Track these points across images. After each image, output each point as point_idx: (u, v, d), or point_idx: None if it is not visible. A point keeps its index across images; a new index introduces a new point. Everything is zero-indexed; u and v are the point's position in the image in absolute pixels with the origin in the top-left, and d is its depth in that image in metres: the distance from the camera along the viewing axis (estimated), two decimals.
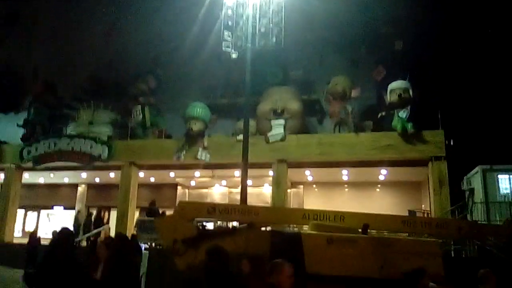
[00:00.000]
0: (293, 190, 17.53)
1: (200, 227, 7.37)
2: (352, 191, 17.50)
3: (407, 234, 7.55)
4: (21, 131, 18.50)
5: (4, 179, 17.89)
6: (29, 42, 22.55)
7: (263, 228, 7.60)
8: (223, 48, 11.55)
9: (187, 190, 19.50)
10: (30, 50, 22.34)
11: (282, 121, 15.00)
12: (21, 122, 18.49)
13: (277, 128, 14.93)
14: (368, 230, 6.66)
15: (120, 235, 4.46)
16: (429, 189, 13.77)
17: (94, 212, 17.65)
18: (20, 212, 20.28)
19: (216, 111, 16.06)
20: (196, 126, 15.10)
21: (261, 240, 7.16)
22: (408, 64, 15.00)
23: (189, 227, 7.31)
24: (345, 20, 16.32)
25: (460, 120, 14.88)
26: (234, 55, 11.60)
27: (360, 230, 6.75)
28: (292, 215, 7.59)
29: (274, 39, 11.35)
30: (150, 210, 13.21)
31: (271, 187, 15.94)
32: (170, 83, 18.01)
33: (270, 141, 14.69)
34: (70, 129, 17.79)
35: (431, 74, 14.80)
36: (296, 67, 17.24)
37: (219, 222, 9.19)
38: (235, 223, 8.57)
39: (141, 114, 16.87)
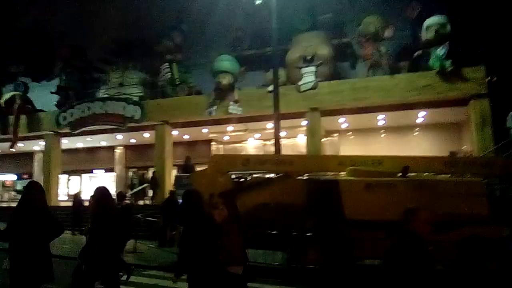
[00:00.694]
0: (328, 139, 17.19)
1: (236, 180, 7.32)
2: (389, 136, 16.98)
3: (450, 175, 7.24)
4: (55, 98, 18.87)
5: (45, 146, 18.46)
6: (54, 6, 22.49)
7: (299, 177, 7.48)
8: None
9: (221, 146, 19.50)
10: (56, 15, 22.33)
11: (313, 68, 14.52)
12: (54, 89, 18.79)
13: (308, 75, 14.50)
14: (408, 173, 6.40)
15: (101, 188, 4.49)
16: (471, 129, 13.20)
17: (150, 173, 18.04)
18: (64, 177, 21.12)
19: (245, 63, 15.67)
20: (225, 80, 14.84)
21: (297, 189, 7.05)
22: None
23: (224, 180, 7.29)
24: None
25: (503, 55, 13.95)
26: (258, 1, 11.10)
27: (399, 174, 6.50)
28: (328, 162, 7.38)
29: None
30: (185, 166, 13.30)
31: (305, 137, 15.74)
32: (196, 38, 17.62)
33: (302, 89, 14.32)
34: (102, 92, 17.98)
35: (469, 6, 13.79)
36: (324, 10, 16.43)
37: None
38: (271, 174, 8.48)
39: (170, 72, 16.72)
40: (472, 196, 5.78)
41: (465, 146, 15.13)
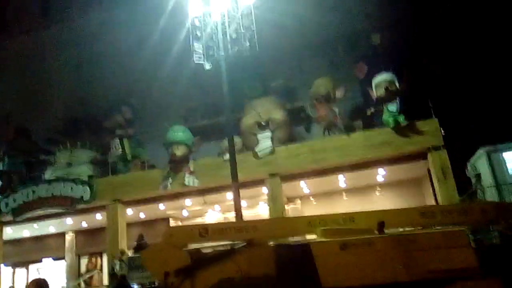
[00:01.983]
0: (291, 206, 16.65)
1: (193, 254, 6.48)
2: (351, 198, 16.64)
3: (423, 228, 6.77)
4: None
5: None
6: None
7: (265, 244, 6.77)
8: (195, 60, 10.87)
9: (179, 222, 18.46)
10: (0, 99, 21.50)
11: (268, 133, 14.27)
12: None
13: (264, 141, 14.19)
14: (384, 229, 5.88)
15: (36, 280, 3.96)
16: (432, 183, 13.06)
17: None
18: (8, 270, 19.18)
19: (199, 134, 15.27)
20: (180, 151, 14.29)
21: (264, 258, 6.31)
22: (389, 57, 14.49)
23: (181, 256, 6.42)
24: (318, 22, 15.86)
25: (451, 106, 14.33)
26: (207, 66, 10.91)
27: (375, 230, 5.96)
28: (295, 224, 6.71)
29: (247, 43, 10.69)
30: (138, 246, 12.23)
31: (267, 206, 15.14)
32: (147, 112, 17.24)
33: (259, 156, 13.92)
34: (49, 174, 16.85)
35: (414, 63, 14.28)
36: (275, 77, 16.59)
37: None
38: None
39: (120, 148, 16.01)
40: (456, 247, 5.28)
41: (427, 202, 14.95)
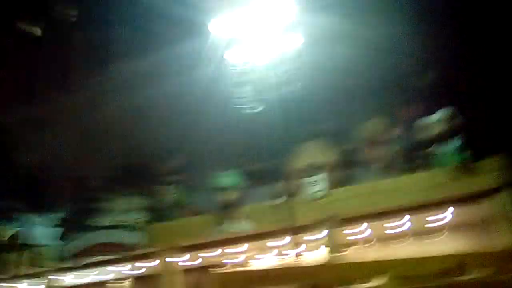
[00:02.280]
0: (350, 250, 15.92)
1: None
2: (415, 243, 15.71)
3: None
4: (58, 231, 18.02)
5: (46, 284, 17.19)
6: (56, 142, 22.80)
7: None
8: (239, 106, 10.92)
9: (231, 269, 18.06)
10: (58, 151, 22.53)
11: (321, 176, 13.94)
12: (57, 222, 18.07)
13: (317, 184, 13.85)
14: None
15: None
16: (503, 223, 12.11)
17: None
18: None
19: (249, 178, 15.18)
20: (230, 196, 14.22)
21: None
22: (444, 94, 14.02)
23: None
24: (367, 63, 15.71)
25: None
26: (256, 110, 10.89)
27: (453, 274, 5.41)
28: (361, 270, 6.23)
29: (295, 85, 10.67)
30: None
31: (324, 251, 14.61)
32: (198, 158, 17.40)
33: (313, 199, 13.55)
34: (104, 221, 17.17)
35: (473, 99, 13.68)
36: (324, 120, 16.39)
37: None
38: None
39: (174, 194, 16.15)
40: None
41: None
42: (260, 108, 10.80)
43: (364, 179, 14.52)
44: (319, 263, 11.21)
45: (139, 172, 18.27)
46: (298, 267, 7.79)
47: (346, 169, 14.60)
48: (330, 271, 6.31)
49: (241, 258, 17.26)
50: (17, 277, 17.41)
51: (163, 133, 18.34)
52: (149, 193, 17.32)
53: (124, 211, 17.06)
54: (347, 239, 14.89)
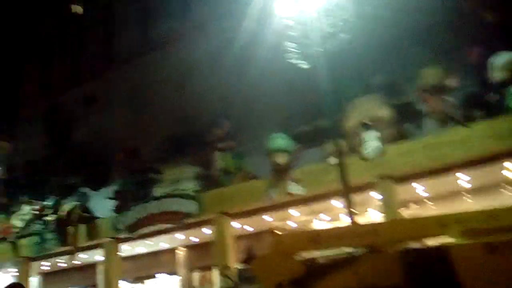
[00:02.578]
0: (405, 211, 15.21)
1: (307, 263, 5.81)
2: (476, 200, 14.73)
3: None
4: (113, 203, 18.50)
5: (104, 254, 17.76)
6: (109, 118, 23.32)
7: (389, 250, 5.85)
8: (290, 61, 10.33)
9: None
10: (111, 125, 23.04)
11: (375, 133, 13.20)
12: (110, 195, 18.51)
13: (371, 141, 13.13)
14: None
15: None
16: None
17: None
18: (127, 286, 20.13)
19: (299, 140, 14.67)
20: (281, 159, 13.78)
21: (391, 266, 5.44)
22: (508, 35, 12.72)
23: (293, 265, 5.81)
24: (418, 8, 14.52)
25: None
26: (304, 65, 10.29)
27: None
28: (424, 225, 5.68)
29: (345, 36, 9.93)
30: (247, 258, 11.82)
31: (378, 213, 14.02)
32: (246, 123, 17.09)
33: (367, 157, 12.88)
34: (158, 192, 17.38)
35: None
36: (375, 73, 15.45)
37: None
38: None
39: (222, 160, 15.99)
40: None
41: None
42: (309, 63, 10.15)
43: (421, 134, 13.67)
44: (376, 222, 10.67)
45: (190, 141, 18.27)
46: (357, 226, 7.34)
47: (401, 124, 13.76)
48: (393, 229, 5.76)
49: (295, 222, 17.05)
50: (77, 249, 18.03)
51: (211, 100, 18.13)
52: (200, 161, 17.30)
53: (176, 181, 17.15)
54: (404, 199, 14.21)
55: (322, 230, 6.49)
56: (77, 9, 26.41)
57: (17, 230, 19.86)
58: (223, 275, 13.24)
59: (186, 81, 20.45)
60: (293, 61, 10.30)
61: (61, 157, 23.21)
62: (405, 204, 15.10)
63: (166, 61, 21.91)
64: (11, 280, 21.10)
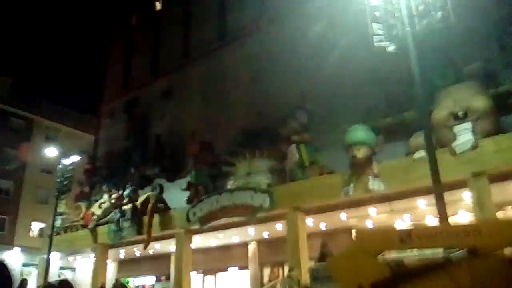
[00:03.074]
0: (502, 214, 13.54)
1: (393, 264, 4.98)
2: None
3: None
4: (186, 195, 18.53)
5: (176, 245, 17.84)
6: (184, 111, 23.54)
7: (495, 254, 4.84)
8: (375, 44, 9.37)
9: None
10: (186, 119, 23.24)
11: (468, 125, 11.81)
12: (184, 186, 18.53)
13: (464, 134, 11.78)
14: None
15: None
16: None
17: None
18: (198, 277, 20.18)
19: (381, 133, 13.54)
20: (361, 153, 12.78)
21: (497, 272, 4.49)
22: None
23: (377, 266, 5.01)
24: None
25: None
26: (390, 48, 9.29)
27: None
28: None
29: (438, 14, 8.79)
30: (322, 254, 11.02)
31: (469, 214, 12.59)
32: (323, 115, 16.21)
33: (458, 151, 11.55)
34: (230, 184, 17.12)
35: None
36: (470, 61, 13.85)
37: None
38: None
39: (297, 154, 15.27)
40: None
41: None
42: (396, 46, 9.11)
43: None
44: (481, 221, 9.22)
45: (264, 134, 17.80)
46: (456, 225, 6.36)
47: (499, 116, 12.17)
48: (499, 229, 4.74)
49: (374, 221, 15.91)
50: (151, 238, 18.24)
51: (288, 92, 17.52)
52: (274, 154, 16.73)
53: (249, 174, 16.77)
54: (500, 200, 12.59)
55: (414, 229, 5.61)
56: (157, 4, 27.07)
57: (96, 217, 20.61)
58: (287, 276, 12.51)
59: (262, 73, 20.00)
60: (378, 44, 9.32)
61: (139, 149, 23.84)
62: (501, 206, 13.47)
63: (242, 54, 21.69)
64: (90, 265, 22.00)
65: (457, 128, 11.96)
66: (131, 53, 29.14)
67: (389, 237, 4.98)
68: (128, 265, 23.48)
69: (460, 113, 12.07)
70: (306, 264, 13.80)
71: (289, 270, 12.80)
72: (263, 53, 20.13)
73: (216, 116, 21.59)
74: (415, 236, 4.86)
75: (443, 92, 12.84)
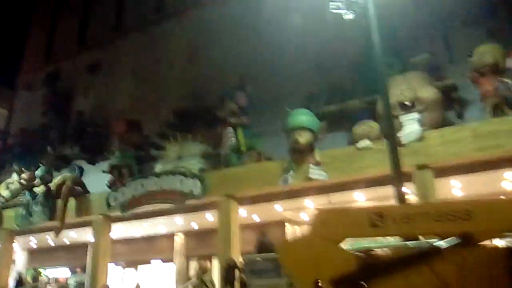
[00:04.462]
0: None
1: (363, 254, 3.97)
2: None
3: None
4: (108, 178, 16.72)
5: (93, 232, 16.01)
6: (112, 88, 21.59)
7: (489, 243, 3.99)
8: (332, 11, 8.45)
9: (297, 227, 16.01)
10: (114, 96, 21.32)
11: (415, 115, 11.33)
12: (106, 168, 16.70)
13: (410, 124, 11.27)
14: None
15: None
16: None
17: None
18: (117, 270, 18.49)
19: (325, 119, 12.74)
20: (303, 138, 11.85)
21: (492, 266, 3.63)
22: None
23: (339, 256, 4.01)
24: None
25: None
26: (349, 16, 8.40)
27: None
28: None
29: None
30: (261, 244, 9.94)
31: None
32: (263, 98, 15.19)
33: (404, 142, 10.98)
34: (158, 168, 15.58)
35: None
36: (416, 53, 13.49)
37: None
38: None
39: (234, 136, 14.12)
40: None
41: None
42: (354, 13, 8.20)
43: (469, 120, 11.73)
44: (471, 200, 8.12)
45: (198, 116, 16.46)
46: (442, 203, 5.54)
47: (447, 107, 11.82)
48: (491, 212, 3.85)
49: (306, 216, 15.16)
50: (63, 225, 16.29)
51: (226, 71, 16.30)
52: (209, 138, 15.42)
53: (181, 158, 15.33)
54: (442, 195, 12.24)
55: (388, 207, 4.69)
56: None
57: (2, 199, 18.15)
58: (198, 278, 11.15)
59: (200, 51, 18.63)
60: (336, 10, 8.38)
61: (58, 126, 21.50)
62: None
63: (180, 30, 20.16)
64: None
65: (403, 118, 11.44)
66: (56, 21, 26.37)
67: (356, 220, 3.98)
68: (41, 255, 21.14)
69: (407, 103, 11.58)
70: (238, 256, 12.69)
71: (201, 271, 11.45)
72: (202, 29, 18.74)
73: (147, 95, 19.88)
74: (390, 218, 3.91)
75: (390, 82, 12.28)
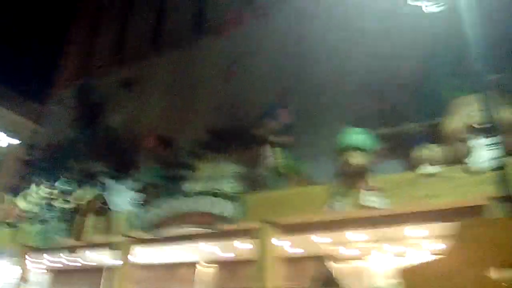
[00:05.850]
0: None
1: None
2: None
3: None
4: (140, 197, 15.46)
5: (113, 255, 14.71)
6: (145, 104, 20.80)
7: None
8: (411, 3, 7.20)
9: (332, 263, 14.24)
10: (146, 113, 20.51)
11: (487, 140, 9.78)
12: (131, 186, 15.51)
13: (482, 150, 9.73)
14: None
15: None
16: None
17: None
18: None
19: (384, 142, 11.28)
20: (356, 159, 10.38)
21: None
22: None
23: None
24: None
25: None
26: (431, 8, 7.14)
27: None
28: None
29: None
30: (325, 279, 8.31)
31: None
32: (309, 116, 13.90)
33: (474, 170, 9.45)
34: (188, 188, 14.26)
35: None
36: (488, 71, 11.97)
37: None
38: None
39: (273, 157, 12.75)
40: None
41: None
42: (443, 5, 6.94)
43: None
44: None
45: (235, 135, 15.23)
46: None
47: None
48: None
49: (345, 250, 13.48)
50: (91, 245, 15.17)
51: (268, 88, 15.18)
52: (246, 158, 14.07)
53: (216, 178, 13.98)
54: None
55: None
56: None
57: (21, 214, 17.13)
58: None
59: (239, 68, 17.62)
60: (414, 2, 7.11)
61: (85, 141, 20.65)
62: None
63: (218, 47, 19.28)
64: (11, 269, 18.28)
65: (474, 143, 9.93)
66: (93, 36, 26.06)
67: None
68: (63, 276, 19.98)
69: (477, 125, 10.09)
70: None
71: None
72: (243, 47, 17.79)
73: (181, 113, 18.90)
74: None
75: (456, 102, 10.86)
